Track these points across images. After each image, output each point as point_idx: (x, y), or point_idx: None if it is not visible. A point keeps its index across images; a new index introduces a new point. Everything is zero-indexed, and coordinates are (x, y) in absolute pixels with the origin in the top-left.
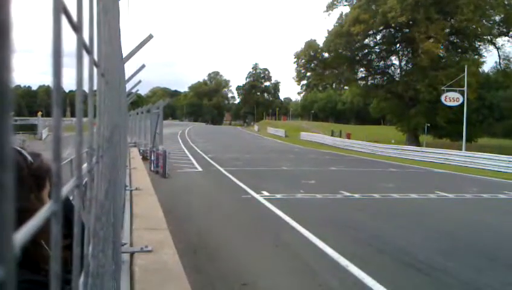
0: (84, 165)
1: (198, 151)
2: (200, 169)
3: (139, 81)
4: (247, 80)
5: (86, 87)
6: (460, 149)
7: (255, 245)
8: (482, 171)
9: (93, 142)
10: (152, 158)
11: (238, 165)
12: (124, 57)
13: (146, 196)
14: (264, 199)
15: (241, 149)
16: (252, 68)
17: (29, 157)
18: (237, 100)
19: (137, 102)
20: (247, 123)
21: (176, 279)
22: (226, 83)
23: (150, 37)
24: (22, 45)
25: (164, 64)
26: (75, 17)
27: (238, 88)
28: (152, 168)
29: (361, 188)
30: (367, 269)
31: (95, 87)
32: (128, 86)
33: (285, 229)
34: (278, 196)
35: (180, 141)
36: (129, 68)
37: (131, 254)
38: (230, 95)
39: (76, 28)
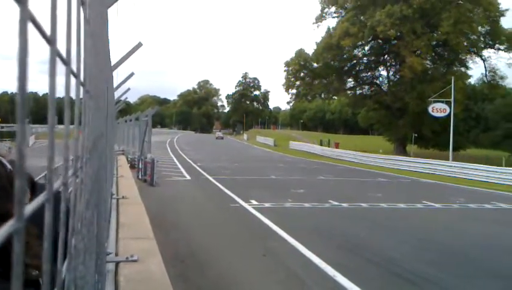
0: (60, 178)
1: (187, 159)
2: (188, 177)
3: (128, 89)
4: (237, 88)
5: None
6: (447, 159)
7: (243, 254)
8: (469, 181)
9: (70, 153)
10: (140, 166)
11: (227, 174)
12: (112, 65)
13: (133, 205)
14: (253, 207)
15: (230, 158)
16: (242, 77)
17: (9, 166)
18: (227, 109)
19: (126, 110)
20: (237, 132)
21: (161, 289)
22: (215, 92)
23: (139, 45)
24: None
25: (154, 72)
26: (48, 27)
27: (228, 97)
28: (140, 177)
29: (350, 198)
30: (354, 278)
31: (74, 97)
32: (117, 94)
33: (273, 238)
34: (267, 204)
35: (169, 149)
36: (118, 76)
37: (117, 264)
38: (219, 103)
39: (50, 40)
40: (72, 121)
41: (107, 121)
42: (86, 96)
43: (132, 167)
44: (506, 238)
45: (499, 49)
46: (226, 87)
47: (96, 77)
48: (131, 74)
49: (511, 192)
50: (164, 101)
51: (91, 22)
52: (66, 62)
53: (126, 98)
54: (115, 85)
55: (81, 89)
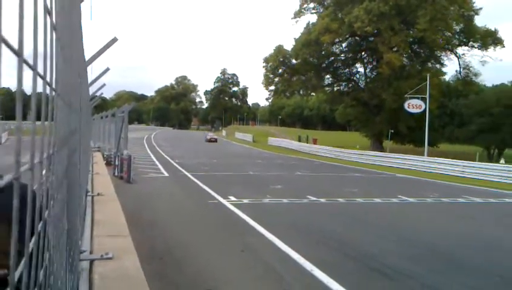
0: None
1: (165, 156)
2: (166, 174)
3: (103, 85)
4: (216, 84)
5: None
6: (423, 155)
7: (221, 250)
8: (443, 176)
9: (36, 149)
10: (116, 163)
11: (205, 170)
12: (86, 60)
13: (108, 202)
14: (231, 204)
15: (209, 154)
16: (221, 73)
17: None
18: (205, 105)
19: (102, 106)
20: (215, 128)
21: (136, 287)
22: (193, 88)
23: (115, 40)
24: None
25: (131, 67)
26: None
27: (206, 93)
28: (116, 174)
29: (327, 193)
30: (332, 273)
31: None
32: (92, 89)
33: (251, 234)
34: (245, 201)
35: (146, 145)
36: (93, 71)
37: (91, 262)
38: (198, 99)
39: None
40: (39, 118)
41: (81, 117)
42: (54, 96)
43: (108, 163)
44: (479, 232)
45: (472, 46)
46: (204, 83)
47: (65, 71)
48: (107, 69)
49: (483, 186)
50: (141, 97)
51: (59, 14)
52: (32, 67)
53: (102, 93)
54: (89, 80)
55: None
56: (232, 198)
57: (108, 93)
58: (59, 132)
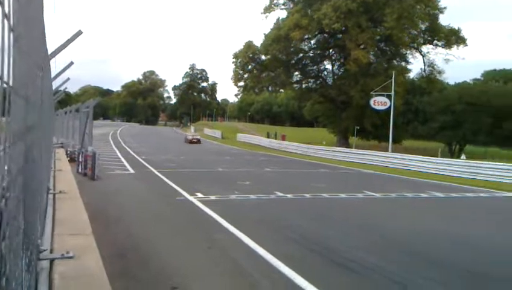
0: None
1: (131, 152)
2: (132, 171)
3: (68, 79)
4: (184, 80)
5: None
6: (387, 151)
7: (188, 247)
8: (407, 171)
9: None
10: (80, 160)
11: (173, 167)
12: (49, 53)
13: (71, 200)
14: (198, 200)
15: (176, 150)
16: (189, 68)
17: None
18: (173, 100)
19: (66, 101)
20: (184, 124)
21: (98, 286)
22: (161, 83)
23: (79, 33)
24: None
25: (96, 61)
26: None
27: (175, 88)
28: (80, 170)
29: (294, 189)
30: (298, 268)
31: None
32: (55, 84)
33: (218, 231)
34: (213, 197)
35: (112, 142)
36: (57, 65)
37: (51, 261)
38: (166, 95)
39: None
40: None
41: (41, 112)
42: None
43: (72, 160)
44: (441, 225)
45: (437, 45)
46: (172, 78)
47: (20, 64)
48: (71, 63)
49: (445, 181)
50: (107, 92)
51: (12, 4)
52: None
53: (66, 88)
54: (52, 74)
55: None
56: (199, 195)
57: (72, 88)
58: (13, 126)
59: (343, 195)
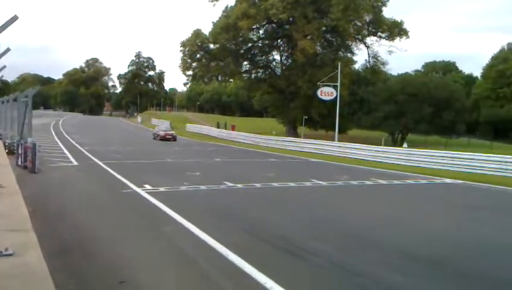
0: None
1: (74, 143)
2: (75, 163)
3: (4, 66)
4: (130, 68)
5: None
6: (334, 140)
7: (135, 240)
8: (353, 160)
9: None
10: (19, 152)
11: (119, 159)
12: None
13: (9, 194)
14: (146, 192)
15: (123, 141)
16: (135, 56)
17: None
18: (118, 89)
19: (4, 89)
20: (130, 114)
21: (40, 284)
22: (106, 71)
23: (15, 18)
24: None
25: (36, 48)
26: None
27: (120, 77)
28: (19, 163)
29: (244, 178)
30: (247, 256)
31: None
32: None
33: (167, 222)
34: (161, 189)
35: (54, 132)
36: None
37: None
38: (111, 83)
39: None
40: None
41: None
42: None
43: (11, 152)
44: (386, 211)
45: (380, 37)
46: (118, 66)
47: None
48: (7, 50)
49: (389, 169)
50: (48, 80)
51: None
52: None
53: (2, 76)
54: None
55: None
56: (148, 186)
57: (10, 76)
58: None
59: (292, 184)
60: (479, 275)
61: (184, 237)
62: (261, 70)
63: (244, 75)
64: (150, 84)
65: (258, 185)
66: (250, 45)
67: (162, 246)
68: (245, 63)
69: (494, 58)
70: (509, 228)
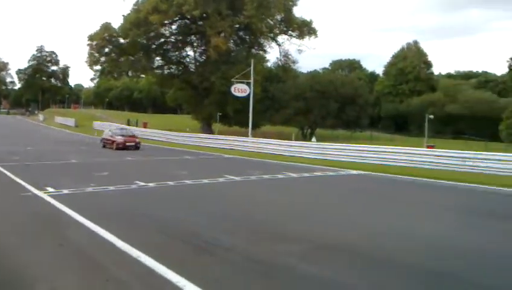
0: None
1: None
2: None
3: None
4: (31, 63)
5: None
6: (247, 136)
7: (37, 247)
8: (265, 155)
9: None
10: None
11: (17, 160)
12: None
13: None
14: (49, 195)
15: (22, 141)
16: (37, 50)
17: None
18: (18, 85)
19: None
20: (31, 112)
21: None
22: (3, 66)
23: None
24: None
25: None
26: None
27: (19, 72)
28: None
29: (157, 177)
30: (158, 257)
31: None
32: None
33: (71, 227)
34: (65, 191)
35: None
36: None
37: None
38: (9, 79)
39: None
40: None
41: None
42: None
43: None
44: (296, 203)
45: (291, 35)
46: (17, 61)
47: None
48: None
49: (299, 162)
50: None
51: None
52: None
53: None
54: None
55: None
56: (50, 189)
57: None
58: None
59: (205, 180)
60: (386, 259)
61: (90, 241)
62: (174, 66)
63: (157, 70)
64: (53, 79)
65: (171, 183)
66: (162, 40)
67: (66, 252)
68: (157, 58)
69: (395, 57)
70: (376, 208)
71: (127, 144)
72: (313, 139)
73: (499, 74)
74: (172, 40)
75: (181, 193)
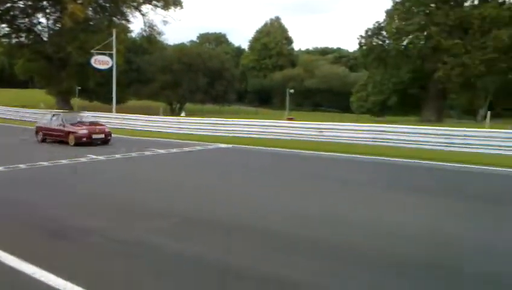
0: None
1: None
2: None
3: None
4: None
5: None
6: (111, 111)
7: None
8: (131, 131)
9: None
10: None
11: None
12: None
13: None
14: None
15: None
16: None
17: None
18: None
19: None
20: None
21: None
22: None
23: None
24: None
25: None
26: None
27: None
28: None
29: (7, 160)
30: (8, 247)
31: None
32: None
33: None
34: None
35: None
36: None
37: None
38: None
39: None
40: None
41: None
42: None
43: None
44: (162, 178)
45: (156, 5)
46: None
47: None
48: None
49: (167, 138)
50: None
51: None
52: None
53: None
54: None
55: None
56: None
57: None
58: None
59: (64, 161)
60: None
61: None
62: (23, 35)
63: (3, 39)
64: None
65: (22, 166)
66: (9, 5)
67: None
68: (3, 25)
69: (259, 32)
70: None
71: (93, 136)
72: (182, 113)
73: (351, 50)
74: (21, 5)
75: (36, 176)
